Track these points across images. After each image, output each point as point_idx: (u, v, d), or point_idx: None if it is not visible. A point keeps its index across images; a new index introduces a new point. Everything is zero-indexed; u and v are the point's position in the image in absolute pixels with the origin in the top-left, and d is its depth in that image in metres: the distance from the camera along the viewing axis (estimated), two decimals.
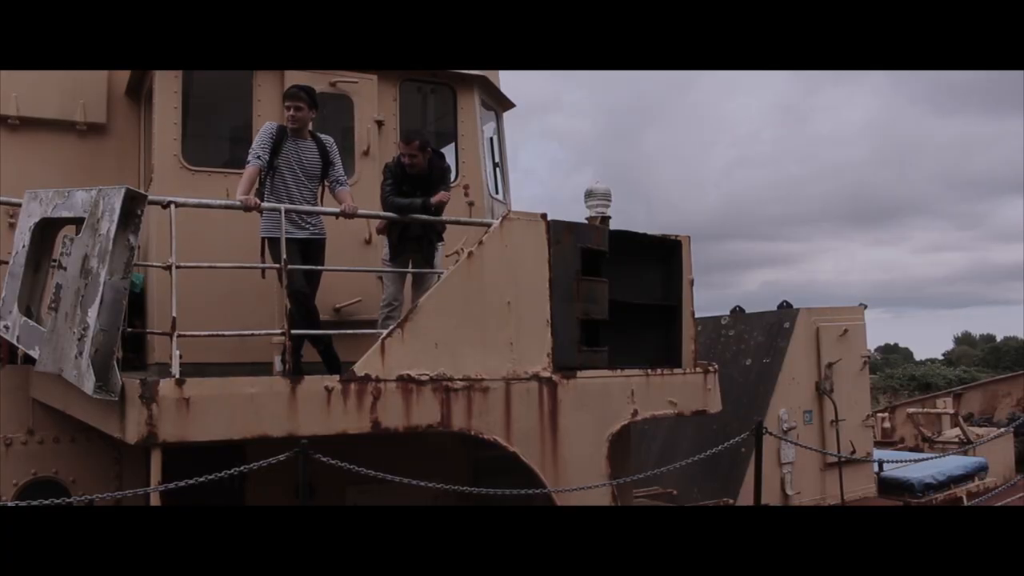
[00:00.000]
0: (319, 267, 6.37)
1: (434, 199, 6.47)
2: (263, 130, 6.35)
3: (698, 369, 7.09)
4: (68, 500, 5.81)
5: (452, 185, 7.43)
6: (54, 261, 5.60)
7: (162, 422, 4.91)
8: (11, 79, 7.33)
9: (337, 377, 5.44)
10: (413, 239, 6.71)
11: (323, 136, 6.55)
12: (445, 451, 6.92)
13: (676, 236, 7.24)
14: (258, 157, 6.21)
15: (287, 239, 5.89)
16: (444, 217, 6.71)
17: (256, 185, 6.24)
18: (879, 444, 12.13)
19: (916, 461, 10.09)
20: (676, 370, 6.94)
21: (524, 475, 6.08)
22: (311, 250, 6.35)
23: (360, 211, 6.38)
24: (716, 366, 7.33)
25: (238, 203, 5.90)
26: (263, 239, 6.29)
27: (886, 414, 14.31)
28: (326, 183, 6.56)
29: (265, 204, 6.06)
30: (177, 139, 6.93)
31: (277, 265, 5.84)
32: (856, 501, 9.46)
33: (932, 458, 10.39)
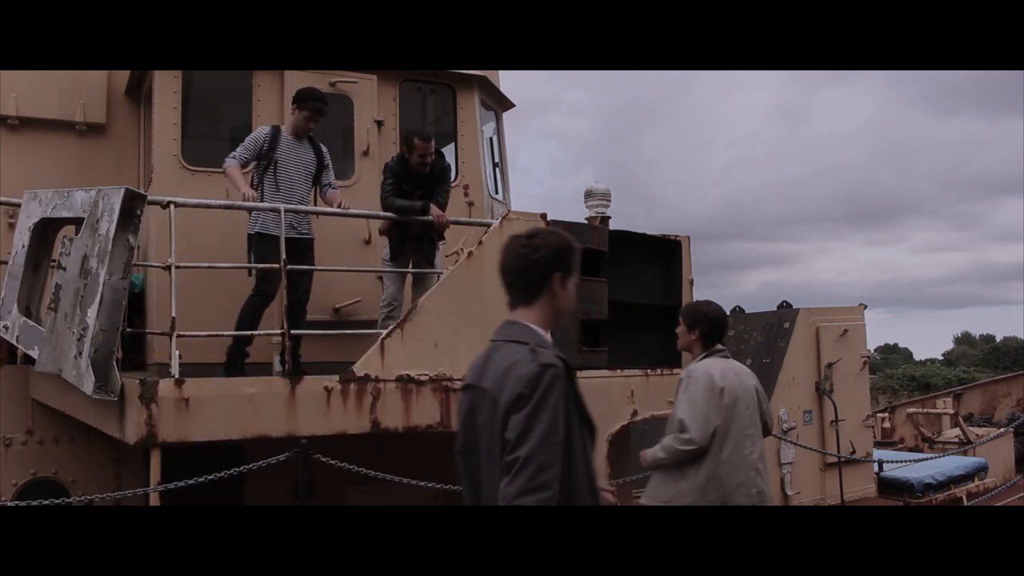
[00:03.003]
0: (319, 267, 6.37)
1: (436, 218, 6.47)
2: (254, 136, 6.37)
3: None
4: (68, 500, 5.83)
5: (452, 185, 7.43)
6: (54, 261, 5.60)
7: (161, 422, 4.91)
8: (11, 79, 7.32)
9: (337, 377, 5.44)
10: (413, 239, 6.72)
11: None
12: (445, 451, 6.91)
13: (676, 236, 7.24)
14: (234, 157, 6.26)
15: (272, 236, 5.93)
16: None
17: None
18: (879, 444, 12.10)
19: (916, 461, 10.08)
20: (676, 370, 6.93)
21: None
22: (298, 250, 6.35)
23: (360, 211, 6.38)
24: None
25: (238, 203, 5.91)
26: (249, 236, 6.29)
27: (886, 414, 14.27)
28: (318, 188, 6.59)
29: (264, 205, 6.06)
30: (177, 139, 6.93)
31: (276, 265, 5.84)
32: (856, 501, 9.45)
33: (932, 458, 10.38)
